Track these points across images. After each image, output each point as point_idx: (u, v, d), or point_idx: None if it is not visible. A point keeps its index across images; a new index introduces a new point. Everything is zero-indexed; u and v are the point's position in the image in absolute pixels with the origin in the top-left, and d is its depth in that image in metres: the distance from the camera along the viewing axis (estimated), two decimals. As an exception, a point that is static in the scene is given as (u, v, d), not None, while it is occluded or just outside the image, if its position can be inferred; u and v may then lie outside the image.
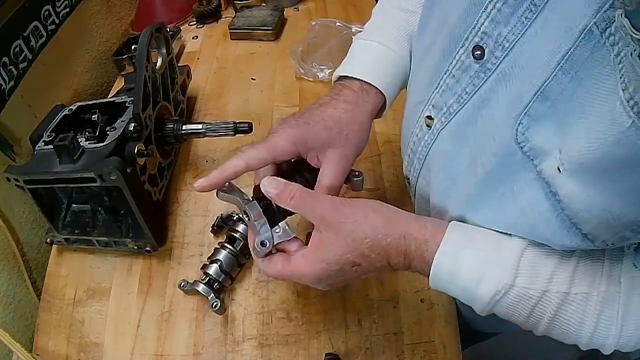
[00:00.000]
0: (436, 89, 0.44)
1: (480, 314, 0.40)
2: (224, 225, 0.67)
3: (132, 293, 0.65)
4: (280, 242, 0.45)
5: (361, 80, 0.50)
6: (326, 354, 0.57)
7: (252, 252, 0.46)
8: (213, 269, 0.60)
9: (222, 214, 0.67)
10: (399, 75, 0.54)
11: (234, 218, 0.66)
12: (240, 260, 0.62)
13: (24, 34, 0.71)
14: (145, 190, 0.64)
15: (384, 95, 0.51)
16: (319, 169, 0.47)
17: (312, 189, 0.47)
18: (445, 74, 0.42)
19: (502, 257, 0.39)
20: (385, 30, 0.55)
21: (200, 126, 0.70)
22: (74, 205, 0.67)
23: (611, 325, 0.36)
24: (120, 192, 0.57)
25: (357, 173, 0.51)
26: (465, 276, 0.39)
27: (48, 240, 0.67)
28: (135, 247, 0.65)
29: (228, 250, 0.62)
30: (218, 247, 0.63)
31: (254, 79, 0.94)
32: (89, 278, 0.68)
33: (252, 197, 0.46)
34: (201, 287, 0.59)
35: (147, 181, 0.64)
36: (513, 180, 0.37)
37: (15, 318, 0.69)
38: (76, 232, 0.66)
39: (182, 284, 0.62)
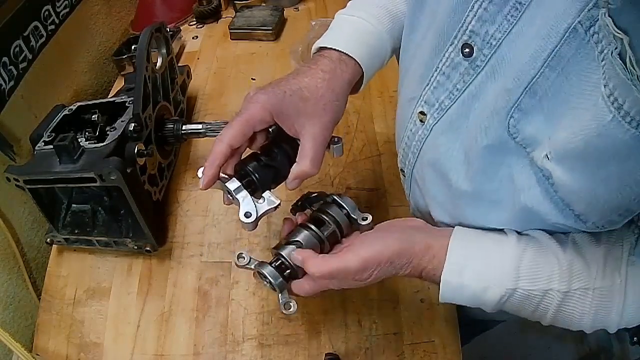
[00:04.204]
0: (427, 85, 0.45)
1: (487, 311, 0.43)
2: (308, 206, 0.54)
3: (132, 293, 0.65)
4: (267, 211, 0.45)
5: (339, 51, 0.50)
6: (326, 354, 0.57)
7: (242, 226, 0.46)
8: (288, 250, 0.47)
9: (309, 192, 0.55)
10: (377, 49, 0.54)
11: (328, 200, 0.52)
12: (323, 248, 0.49)
13: (24, 34, 0.71)
14: (145, 190, 0.64)
15: (362, 68, 0.51)
16: (296, 139, 0.47)
17: (291, 159, 0.47)
18: (435, 71, 0.43)
19: (503, 264, 0.41)
20: (366, 7, 0.56)
21: (200, 126, 0.70)
22: (74, 205, 0.67)
23: (611, 312, 0.39)
24: (120, 192, 0.57)
25: (336, 139, 0.50)
26: (471, 288, 0.42)
27: (48, 240, 0.67)
28: (135, 247, 0.65)
29: (311, 232, 0.48)
30: (299, 227, 0.50)
31: (254, 79, 0.94)
32: (89, 278, 0.68)
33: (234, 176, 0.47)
34: (268, 270, 0.47)
35: (147, 181, 0.64)
36: (508, 166, 0.39)
37: (15, 318, 0.69)
38: (76, 232, 0.66)
39: (242, 257, 0.49)
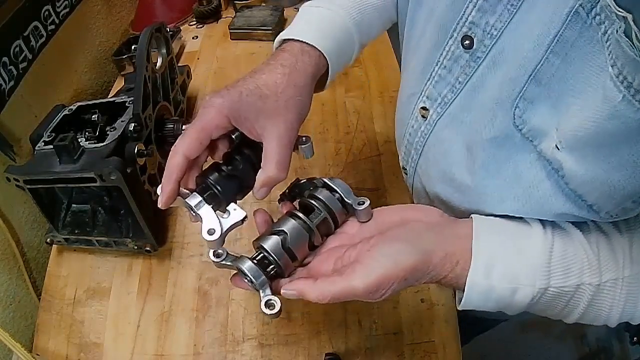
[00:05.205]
0: (429, 80, 0.44)
1: (511, 314, 0.41)
2: (298, 194, 0.47)
3: (132, 293, 0.65)
4: (232, 226, 0.41)
5: (302, 41, 0.46)
6: (326, 354, 0.57)
7: (207, 245, 0.41)
8: (271, 242, 0.41)
9: (299, 178, 0.48)
10: (344, 41, 0.50)
11: (318, 184, 0.46)
12: (313, 240, 0.43)
13: (24, 34, 0.71)
14: (145, 190, 0.64)
15: (327, 60, 0.47)
16: (259, 143, 0.43)
17: (256, 166, 0.43)
18: (436, 65, 0.43)
19: (533, 260, 0.38)
20: None
21: (200, 126, 0.70)
22: (74, 205, 0.68)
23: (638, 301, 0.37)
24: (120, 192, 0.57)
25: (304, 139, 0.45)
26: (499, 291, 0.38)
27: (48, 240, 0.67)
28: (135, 247, 0.65)
29: (298, 220, 0.42)
30: (285, 215, 0.44)
31: (254, 79, 0.93)
32: (89, 278, 0.68)
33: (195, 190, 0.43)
34: (248, 266, 0.39)
35: (147, 181, 0.64)
36: (515, 163, 0.38)
37: (15, 318, 0.69)
38: (76, 232, 0.66)
39: (218, 252, 0.42)
